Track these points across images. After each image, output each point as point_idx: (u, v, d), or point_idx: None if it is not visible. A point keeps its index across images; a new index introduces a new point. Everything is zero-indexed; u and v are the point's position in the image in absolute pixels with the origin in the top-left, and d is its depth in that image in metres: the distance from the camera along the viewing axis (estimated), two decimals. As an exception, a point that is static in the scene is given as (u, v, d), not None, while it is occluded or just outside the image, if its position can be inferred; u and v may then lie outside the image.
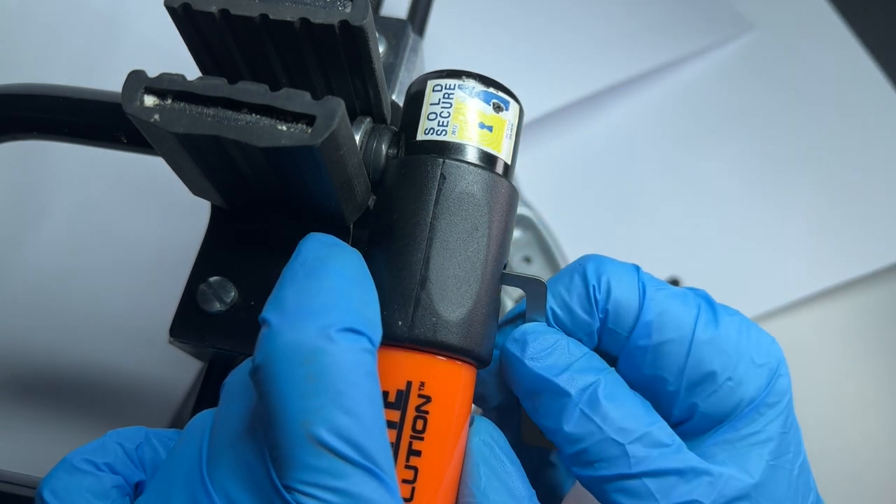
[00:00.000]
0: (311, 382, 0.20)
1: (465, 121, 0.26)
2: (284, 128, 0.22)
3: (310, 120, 0.22)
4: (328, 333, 0.20)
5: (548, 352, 0.26)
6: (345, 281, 0.22)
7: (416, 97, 0.27)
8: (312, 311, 0.21)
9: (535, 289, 0.27)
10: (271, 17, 0.23)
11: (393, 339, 0.25)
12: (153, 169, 0.40)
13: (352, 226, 0.29)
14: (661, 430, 0.25)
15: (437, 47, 0.59)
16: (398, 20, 0.35)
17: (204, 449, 0.22)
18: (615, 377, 0.26)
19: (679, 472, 0.25)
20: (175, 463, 0.23)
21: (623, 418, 0.25)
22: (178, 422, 0.48)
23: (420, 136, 0.26)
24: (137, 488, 0.25)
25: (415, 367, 0.25)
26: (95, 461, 0.24)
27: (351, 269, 0.22)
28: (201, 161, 0.24)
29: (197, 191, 0.28)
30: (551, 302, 0.28)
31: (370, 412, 0.20)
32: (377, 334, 0.22)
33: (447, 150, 0.26)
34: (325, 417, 0.20)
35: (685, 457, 0.25)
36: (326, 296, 0.21)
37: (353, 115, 0.28)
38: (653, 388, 0.27)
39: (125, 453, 0.25)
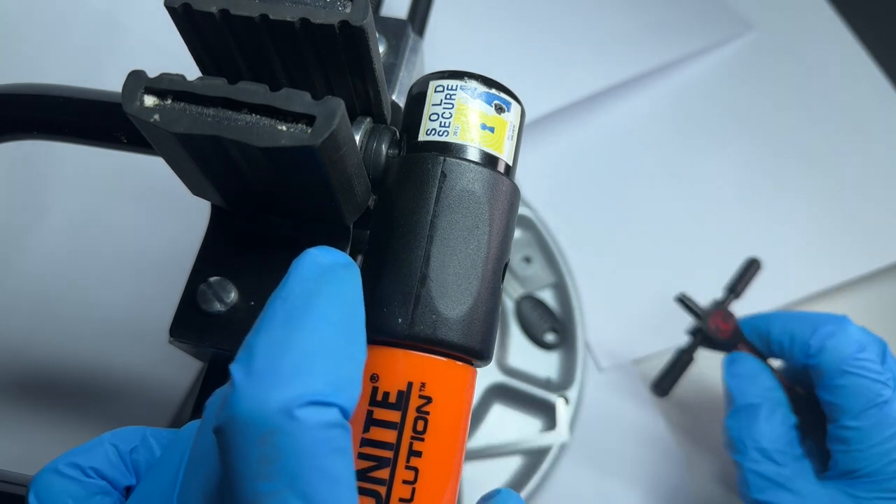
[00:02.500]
0: (266, 464, 0.18)
1: (466, 122, 0.26)
2: (284, 128, 0.22)
3: (310, 120, 0.22)
4: (290, 410, 0.18)
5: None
6: (327, 330, 0.20)
7: (417, 98, 0.27)
8: (280, 374, 0.19)
9: None
10: (271, 17, 0.23)
11: (393, 336, 0.25)
12: (153, 169, 0.40)
13: (352, 226, 0.29)
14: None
15: (437, 47, 0.59)
16: (398, 20, 0.35)
17: (176, 491, 0.22)
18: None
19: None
20: (151, 489, 0.23)
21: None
22: (178, 422, 0.48)
23: (422, 137, 0.26)
24: (129, 492, 0.25)
25: (416, 367, 0.25)
26: (81, 465, 0.24)
27: (338, 310, 0.21)
28: (201, 161, 0.24)
29: (197, 191, 0.28)
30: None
31: (332, 496, 0.18)
32: (353, 396, 0.20)
33: (449, 151, 0.26)
34: (278, 502, 0.18)
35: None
36: (300, 354, 0.19)
37: (353, 115, 0.28)
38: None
39: (118, 455, 0.24)
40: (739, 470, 0.41)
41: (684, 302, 0.48)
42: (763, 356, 0.45)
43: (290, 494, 0.18)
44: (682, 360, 0.48)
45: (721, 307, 0.47)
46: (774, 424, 0.41)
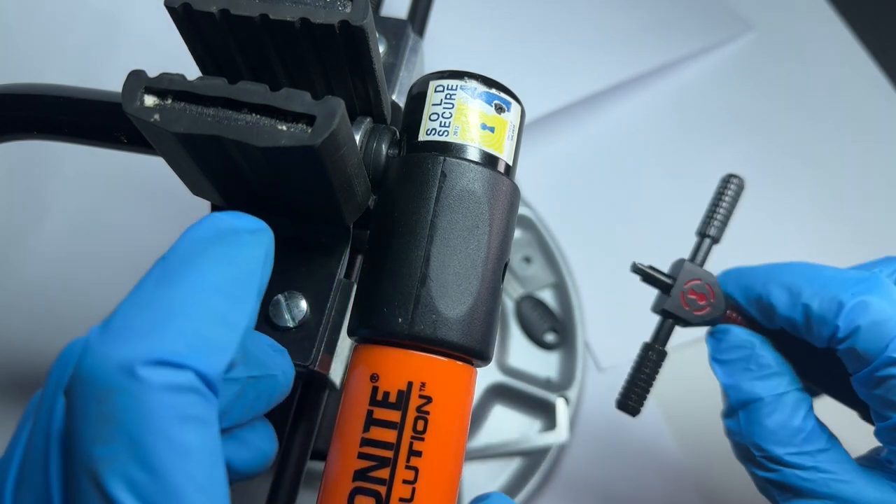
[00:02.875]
0: (104, 425, 0.16)
1: (466, 122, 0.26)
2: (284, 128, 0.22)
3: (310, 120, 0.22)
4: (132, 367, 0.16)
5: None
6: (201, 291, 0.18)
7: (418, 98, 0.27)
8: (132, 332, 0.17)
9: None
10: (271, 17, 0.23)
11: (393, 336, 0.25)
12: (153, 169, 0.40)
13: (352, 226, 0.29)
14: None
15: (437, 47, 0.59)
16: (398, 20, 0.35)
17: (18, 455, 0.19)
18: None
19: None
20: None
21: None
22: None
23: (422, 137, 0.26)
24: None
25: (416, 367, 0.25)
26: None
27: (224, 272, 0.19)
28: (201, 161, 0.24)
29: (197, 191, 0.28)
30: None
31: (179, 468, 0.16)
32: (219, 362, 0.18)
33: (449, 151, 0.26)
34: (116, 468, 0.16)
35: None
36: (159, 312, 0.18)
37: (353, 115, 0.28)
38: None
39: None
40: (757, 480, 0.33)
41: (641, 271, 0.34)
42: (762, 329, 0.34)
43: (129, 461, 0.16)
44: (650, 361, 0.34)
45: (693, 271, 0.33)
46: (784, 419, 0.31)
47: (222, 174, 0.25)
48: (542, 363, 0.52)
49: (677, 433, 0.53)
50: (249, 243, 0.20)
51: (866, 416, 0.32)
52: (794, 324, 0.32)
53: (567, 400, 0.50)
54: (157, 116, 0.22)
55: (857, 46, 0.68)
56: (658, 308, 0.35)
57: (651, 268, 0.34)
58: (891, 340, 0.29)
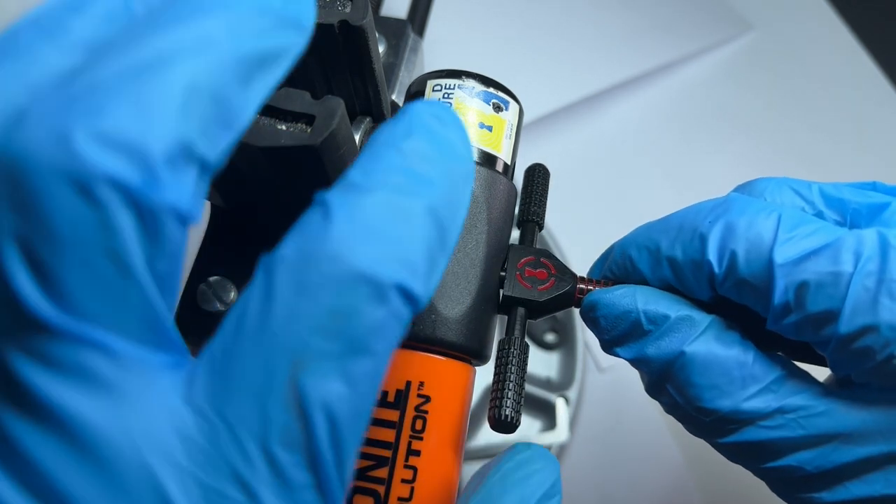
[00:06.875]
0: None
1: (464, 121, 0.26)
2: (284, 127, 0.22)
3: (309, 119, 0.22)
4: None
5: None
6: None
7: (415, 97, 0.27)
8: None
9: None
10: (271, 16, 0.23)
11: (392, 338, 0.25)
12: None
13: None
14: None
15: (437, 47, 0.59)
16: (398, 20, 0.35)
17: None
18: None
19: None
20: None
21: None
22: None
23: (420, 136, 0.26)
24: None
25: (414, 367, 0.25)
26: None
27: None
28: (201, 161, 0.24)
29: (197, 190, 0.28)
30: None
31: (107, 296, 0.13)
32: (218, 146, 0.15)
33: (446, 150, 0.26)
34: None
35: None
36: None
37: (353, 115, 0.28)
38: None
39: None
40: (725, 450, 0.26)
41: None
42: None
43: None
44: (515, 360, 0.25)
45: (521, 249, 0.28)
46: (717, 360, 0.24)
47: (222, 174, 0.25)
48: (542, 363, 0.52)
49: (677, 433, 0.53)
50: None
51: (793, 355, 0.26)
52: (665, 280, 0.26)
53: (567, 400, 0.50)
54: (156, 116, 0.22)
55: (857, 46, 0.68)
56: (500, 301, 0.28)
57: None
58: (770, 250, 0.23)
